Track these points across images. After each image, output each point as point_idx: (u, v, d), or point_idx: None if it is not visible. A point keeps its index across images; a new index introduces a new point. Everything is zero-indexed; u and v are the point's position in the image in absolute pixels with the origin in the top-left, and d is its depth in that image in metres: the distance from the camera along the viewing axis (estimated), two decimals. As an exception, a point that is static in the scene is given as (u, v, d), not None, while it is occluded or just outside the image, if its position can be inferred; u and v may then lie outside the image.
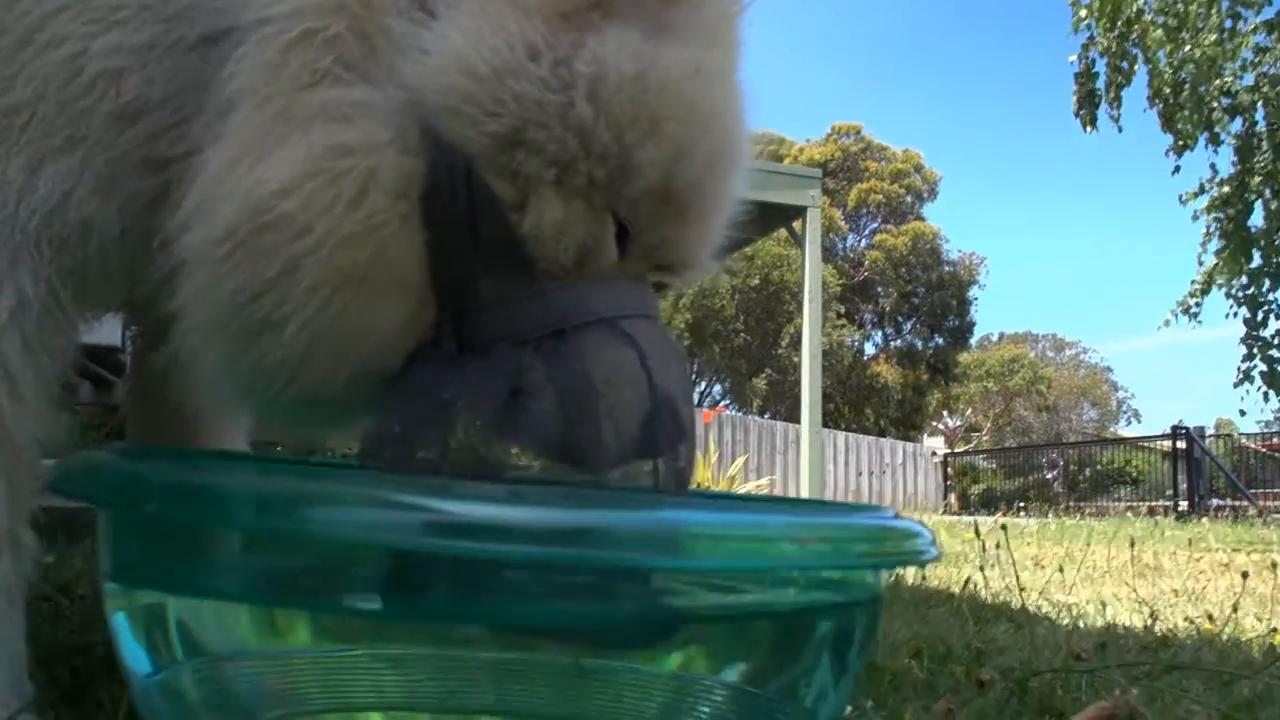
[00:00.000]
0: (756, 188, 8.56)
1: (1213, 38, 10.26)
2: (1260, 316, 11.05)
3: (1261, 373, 11.02)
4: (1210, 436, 17.33)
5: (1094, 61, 11.51)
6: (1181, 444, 16.19)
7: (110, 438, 3.20)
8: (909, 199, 29.38)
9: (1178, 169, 11.22)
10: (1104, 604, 2.80)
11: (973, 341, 31.93)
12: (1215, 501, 15.27)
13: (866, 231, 29.71)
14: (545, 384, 0.90)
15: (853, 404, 26.89)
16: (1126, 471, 19.28)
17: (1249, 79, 10.57)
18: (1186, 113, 10.56)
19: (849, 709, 1.22)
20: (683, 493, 0.97)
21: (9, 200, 0.99)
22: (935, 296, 29.14)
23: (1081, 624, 2.24)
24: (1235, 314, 11.20)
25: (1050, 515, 12.76)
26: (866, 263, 28.59)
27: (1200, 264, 11.41)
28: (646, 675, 0.87)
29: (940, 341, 29.49)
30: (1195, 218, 11.30)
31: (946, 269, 29.75)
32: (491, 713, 0.84)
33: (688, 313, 24.52)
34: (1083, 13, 11.25)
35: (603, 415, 0.89)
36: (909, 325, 29.77)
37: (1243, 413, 26.55)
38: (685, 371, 1.01)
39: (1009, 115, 65.92)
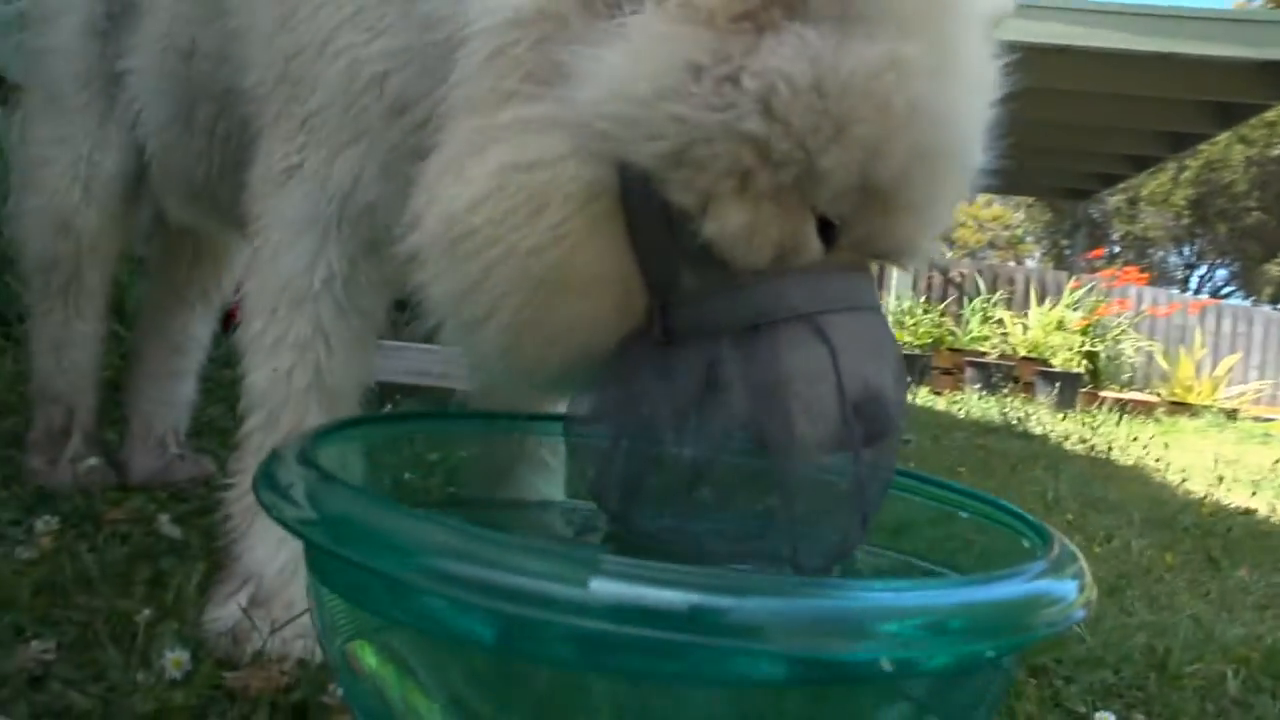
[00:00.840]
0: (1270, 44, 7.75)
1: None
2: None
3: None
4: None
5: None
6: None
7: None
8: None
9: None
10: None
11: None
12: None
13: None
14: (736, 379, 0.90)
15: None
16: None
17: None
18: None
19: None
20: (878, 491, 0.93)
21: (315, 188, 1.18)
22: None
23: None
24: None
25: None
26: None
27: None
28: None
29: None
30: None
31: None
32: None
33: (1190, 188, 22.25)
34: None
35: (795, 412, 0.88)
36: None
37: None
38: (893, 364, 0.95)
39: None
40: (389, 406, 2.66)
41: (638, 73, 0.87)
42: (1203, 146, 16.02)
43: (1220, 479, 3.98)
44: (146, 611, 1.17)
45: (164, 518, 1.60)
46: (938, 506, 1.02)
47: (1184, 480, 3.94)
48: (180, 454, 2.02)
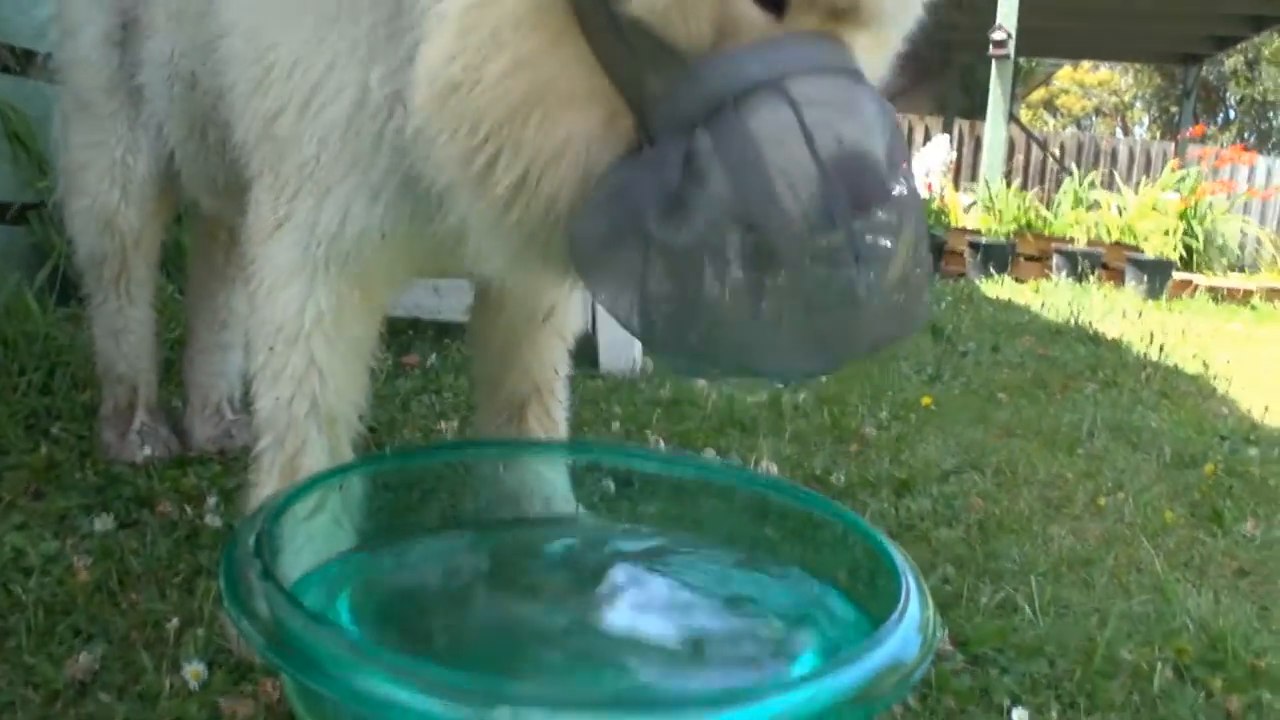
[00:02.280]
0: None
1: None
2: None
3: None
4: None
5: None
6: None
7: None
8: None
9: None
10: None
11: None
12: None
13: None
14: (711, 161, 0.91)
15: None
16: None
17: None
18: None
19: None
20: (885, 270, 0.94)
21: (304, 235, 1.27)
22: None
23: None
24: None
25: None
26: None
27: None
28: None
29: None
30: None
31: None
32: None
33: (1315, 44, 20.78)
34: None
35: (773, 178, 0.89)
36: None
37: None
38: (878, 126, 0.94)
39: None
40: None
41: None
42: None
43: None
44: (175, 620, 1.34)
45: (211, 500, 1.78)
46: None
47: (1240, 394, 3.89)
48: (236, 419, 2.20)
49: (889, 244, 0.94)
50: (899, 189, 0.94)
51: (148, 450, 2.00)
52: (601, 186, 0.98)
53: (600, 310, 2.86)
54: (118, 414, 2.06)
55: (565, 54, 0.96)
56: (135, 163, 1.87)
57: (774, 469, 2.00)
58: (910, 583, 0.99)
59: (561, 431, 1.65)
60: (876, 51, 1.12)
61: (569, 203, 1.00)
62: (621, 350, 2.86)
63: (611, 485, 1.47)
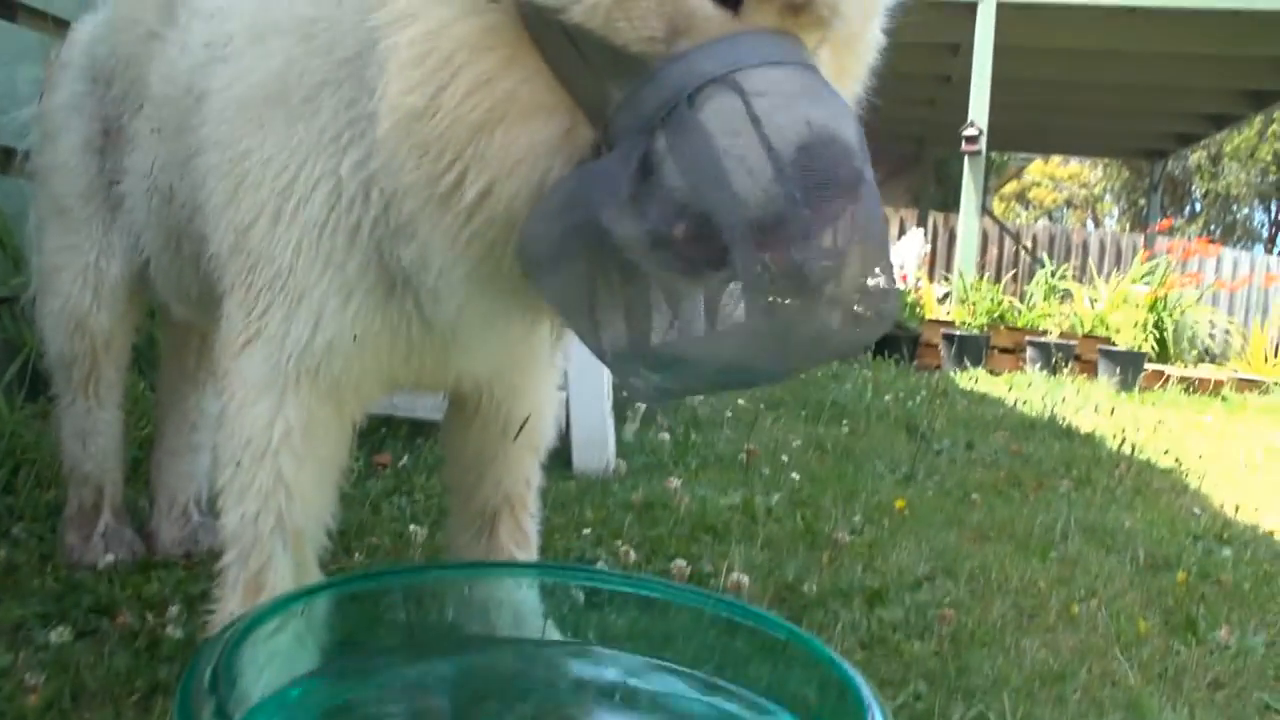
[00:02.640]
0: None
1: None
2: None
3: None
4: None
5: None
6: None
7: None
8: None
9: None
10: None
11: None
12: None
13: None
14: (665, 157, 0.92)
15: None
16: None
17: None
18: None
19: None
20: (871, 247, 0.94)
21: (274, 350, 1.27)
22: None
23: None
24: None
25: None
26: None
27: None
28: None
29: None
30: None
31: None
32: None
33: (1277, 142, 21.41)
34: None
35: (726, 168, 0.88)
36: None
37: None
38: (842, 110, 0.94)
39: None
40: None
41: None
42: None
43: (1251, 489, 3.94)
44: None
45: (174, 609, 1.74)
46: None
47: (1213, 491, 3.92)
48: (203, 521, 2.17)
49: (850, 236, 0.93)
50: (868, 174, 0.93)
51: (110, 557, 1.97)
52: (555, 190, 0.99)
53: (575, 410, 2.88)
54: (82, 515, 2.04)
55: (521, 70, 0.98)
56: (109, 266, 1.88)
57: (745, 580, 1.98)
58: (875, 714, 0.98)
59: (533, 545, 1.64)
60: (843, 75, 1.14)
61: (526, 211, 1.01)
62: (595, 451, 2.86)
63: (581, 597, 1.45)
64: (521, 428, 1.59)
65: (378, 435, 2.93)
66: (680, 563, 2.04)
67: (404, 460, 2.75)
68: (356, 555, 2.09)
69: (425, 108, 0.99)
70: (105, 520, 2.04)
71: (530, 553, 1.65)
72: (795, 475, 3.04)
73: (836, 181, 0.89)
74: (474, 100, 0.97)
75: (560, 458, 2.70)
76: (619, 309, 1.00)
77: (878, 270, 0.96)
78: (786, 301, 0.94)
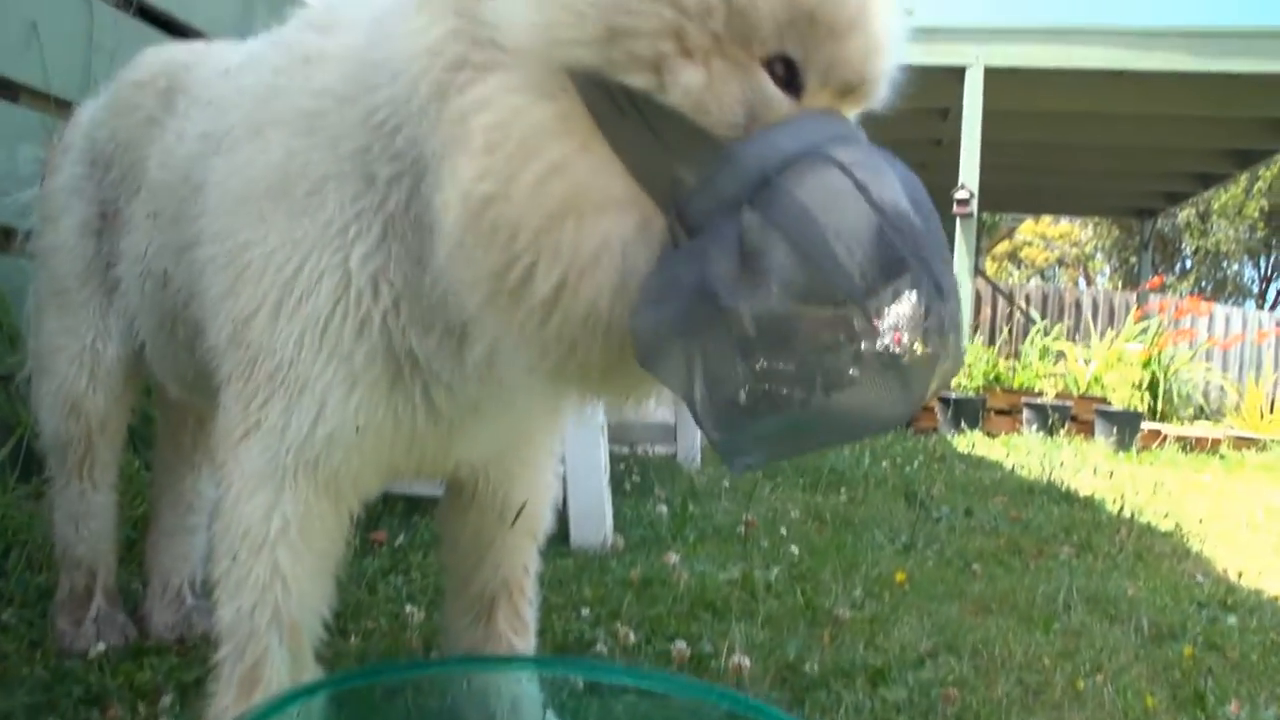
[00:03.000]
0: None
1: None
2: None
3: None
4: None
5: None
6: None
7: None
8: None
9: None
10: None
11: None
12: None
13: None
14: (769, 231, 0.92)
15: None
16: None
17: None
18: None
19: None
20: (952, 326, 0.95)
21: (274, 442, 1.26)
22: None
23: None
24: None
25: None
26: None
27: None
28: None
29: None
30: None
31: None
32: None
33: (1263, 198, 21.64)
34: None
35: (831, 239, 0.90)
36: None
37: None
38: (914, 182, 0.98)
39: None
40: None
41: None
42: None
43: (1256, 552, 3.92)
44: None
45: (166, 698, 1.71)
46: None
47: (1215, 555, 3.90)
48: (197, 605, 2.14)
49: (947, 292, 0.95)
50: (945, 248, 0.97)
51: (102, 645, 1.94)
52: (654, 280, 0.97)
53: (572, 484, 2.87)
54: (74, 600, 2.01)
55: (594, 158, 0.97)
56: (105, 349, 1.87)
57: (747, 663, 1.95)
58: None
59: (531, 632, 1.62)
60: None
61: (609, 308, 0.98)
62: (593, 525, 2.84)
63: (580, 683, 1.43)
64: (519, 514, 1.58)
65: (374, 512, 2.91)
66: (680, 644, 2.01)
67: (400, 538, 2.73)
68: (352, 638, 2.06)
69: (497, 194, 0.97)
70: (97, 605, 2.02)
71: (528, 640, 1.63)
72: (794, 548, 3.02)
73: (938, 240, 0.95)
74: (548, 188, 0.96)
75: (558, 533, 2.67)
76: (734, 384, 0.97)
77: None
78: (908, 351, 0.95)
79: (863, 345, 0.93)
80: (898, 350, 0.94)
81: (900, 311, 0.92)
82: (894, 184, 0.94)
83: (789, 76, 0.98)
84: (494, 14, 0.99)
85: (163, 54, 1.87)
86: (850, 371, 0.96)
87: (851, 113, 1.07)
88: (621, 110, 0.97)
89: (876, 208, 0.91)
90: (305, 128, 1.25)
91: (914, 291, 0.92)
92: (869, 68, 1.03)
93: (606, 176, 0.97)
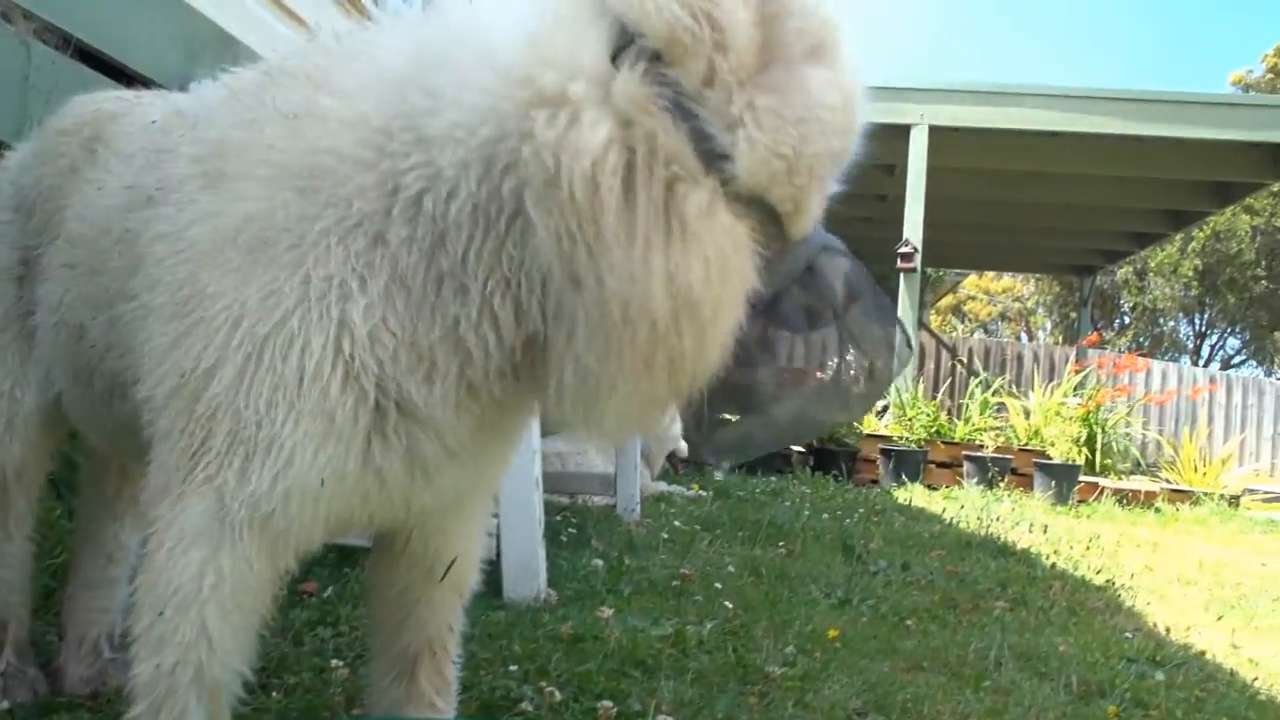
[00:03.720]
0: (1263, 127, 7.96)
1: None
2: None
3: None
4: None
5: None
6: None
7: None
8: None
9: None
10: None
11: None
12: None
13: None
14: (808, 293, 1.28)
15: None
16: None
17: None
18: None
19: None
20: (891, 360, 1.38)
21: (220, 501, 1.24)
22: None
23: None
24: None
25: None
26: None
27: None
28: None
29: None
30: None
31: None
32: None
33: (1197, 258, 22.25)
34: None
35: (838, 291, 1.31)
36: None
37: None
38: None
39: None
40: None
41: (777, 146, 1.15)
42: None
43: (1189, 607, 3.98)
44: None
45: (73, 755, 1.66)
46: None
47: (1146, 609, 3.95)
48: (114, 658, 2.08)
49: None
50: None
51: (6, 703, 1.87)
52: (750, 344, 1.22)
53: (506, 537, 2.84)
54: (-17, 653, 1.95)
55: (751, 264, 1.17)
56: (23, 396, 1.83)
57: (672, 722, 1.93)
58: None
59: (452, 691, 1.61)
60: None
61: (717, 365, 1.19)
62: (526, 579, 2.81)
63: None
64: (449, 569, 1.57)
65: (304, 562, 2.85)
66: (607, 703, 1.98)
67: (330, 590, 2.68)
68: (274, 694, 2.01)
69: (704, 298, 1.12)
70: (7, 659, 1.95)
71: (449, 700, 1.61)
72: (729, 603, 3.01)
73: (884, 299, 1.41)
74: (732, 290, 1.16)
75: (490, 585, 2.64)
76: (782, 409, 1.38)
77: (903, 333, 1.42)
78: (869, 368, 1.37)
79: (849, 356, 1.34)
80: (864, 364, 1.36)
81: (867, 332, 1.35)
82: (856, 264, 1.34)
83: None
84: (731, 149, 1.14)
85: (91, 103, 1.85)
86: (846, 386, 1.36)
87: None
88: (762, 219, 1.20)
89: (859, 271, 1.32)
90: (301, 184, 1.24)
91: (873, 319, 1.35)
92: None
93: (753, 276, 1.19)
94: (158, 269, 1.34)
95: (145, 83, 3.19)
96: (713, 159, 1.12)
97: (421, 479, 1.31)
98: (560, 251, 1.11)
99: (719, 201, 1.12)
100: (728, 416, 1.34)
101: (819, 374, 1.35)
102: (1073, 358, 12.80)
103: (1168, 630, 3.56)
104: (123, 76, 3.14)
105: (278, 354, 1.21)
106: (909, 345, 1.46)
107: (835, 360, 1.34)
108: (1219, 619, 4.04)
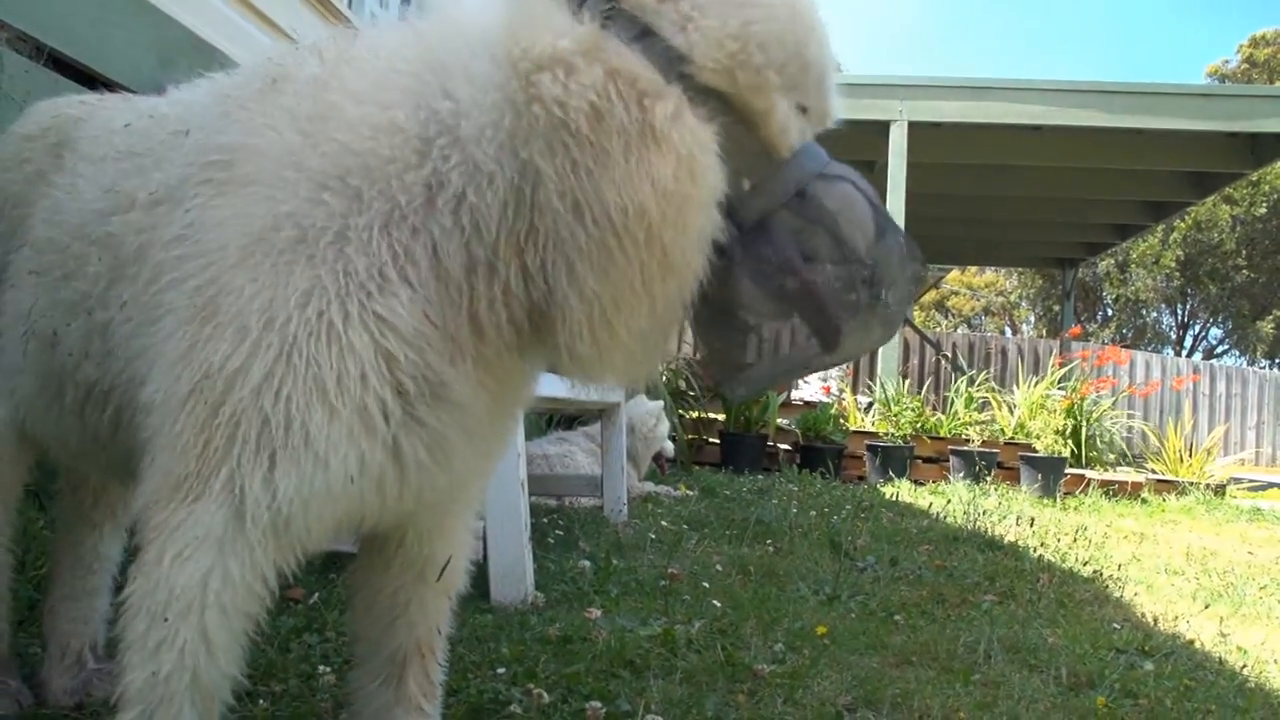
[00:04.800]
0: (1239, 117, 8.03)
1: None
2: None
3: None
4: None
5: None
6: None
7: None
8: None
9: None
10: None
11: None
12: None
13: None
14: (811, 225, 1.29)
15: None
16: None
17: None
18: None
19: None
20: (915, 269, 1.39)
21: (224, 507, 1.24)
22: None
23: None
24: None
25: None
26: None
27: None
28: None
29: None
30: None
31: None
32: None
33: (1179, 249, 22.40)
34: None
35: (847, 226, 1.29)
36: None
37: None
38: (871, 185, 1.36)
39: None
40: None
41: (727, 26, 1.25)
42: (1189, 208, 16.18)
43: (1177, 595, 3.99)
44: None
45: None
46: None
47: (1134, 600, 3.96)
48: (98, 669, 2.06)
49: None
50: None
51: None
52: (733, 259, 1.27)
53: (492, 540, 2.83)
54: (-36, 667, 1.93)
55: (719, 166, 1.24)
56: None
57: (661, 722, 1.92)
58: None
59: (438, 695, 1.60)
60: None
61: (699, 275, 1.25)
62: (514, 582, 2.80)
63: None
64: (444, 569, 1.56)
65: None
66: (596, 704, 1.98)
67: (316, 596, 2.66)
68: (261, 702, 2.00)
69: (686, 193, 1.21)
70: (-11, 669, 1.94)
71: (435, 704, 1.60)
72: (717, 602, 3.00)
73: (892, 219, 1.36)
74: (703, 187, 1.22)
75: (478, 588, 2.63)
76: (773, 331, 1.36)
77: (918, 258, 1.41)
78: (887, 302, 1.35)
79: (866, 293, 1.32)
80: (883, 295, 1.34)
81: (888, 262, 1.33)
82: (869, 187, 1.33)
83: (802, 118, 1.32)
84: (688, 48, 1.25)
85: (53, 108, 1.83)
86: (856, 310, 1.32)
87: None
88: (735, 135, 1.26)
89: (872, 204, 1.31)
90: (337, 183, 1.27)
91: (894, 250, 1.34)
92: (834, 109, 1.38)
93: (721, 179, 1.24)
94: (171, 272, 1.33)
95: (118, 89, 3.17)
96: (674, 63, 1.23)
97: (444, 463, 1.33)
98: (565, 188, 1.21)
99: (684, 107, 1.22)
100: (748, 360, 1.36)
101: (820, 298, 1.31)
102: (1056, 351, 12.85)
103: (1156, 620, 3.57)
104: (96, 84, 3.11)
105: (318, 351, 1.22)
106: (918, 267, 1.43)
107: (837, 285, 1.31)
108: (1206, 608, 4.05)
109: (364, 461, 1.25)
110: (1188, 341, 25.38)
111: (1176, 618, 3.72)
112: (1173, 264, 22.52)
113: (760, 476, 7.48)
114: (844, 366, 10.34)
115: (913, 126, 9.96)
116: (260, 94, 1.40)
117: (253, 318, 1.23)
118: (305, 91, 1.36)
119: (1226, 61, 26.27)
